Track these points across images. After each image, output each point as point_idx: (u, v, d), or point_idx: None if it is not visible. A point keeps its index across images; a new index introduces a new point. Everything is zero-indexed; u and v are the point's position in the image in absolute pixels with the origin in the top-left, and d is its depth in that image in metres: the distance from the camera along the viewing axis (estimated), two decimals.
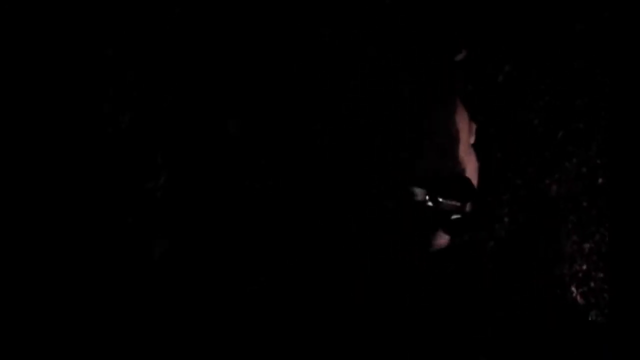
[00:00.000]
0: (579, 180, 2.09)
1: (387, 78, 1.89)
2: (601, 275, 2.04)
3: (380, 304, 1.85)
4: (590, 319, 1.96)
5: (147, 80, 1.91)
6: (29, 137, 1.89)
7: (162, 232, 1.89)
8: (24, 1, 1.88)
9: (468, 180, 1.88)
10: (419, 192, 1.84)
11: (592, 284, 2.03)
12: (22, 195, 1.89)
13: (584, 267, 2.05)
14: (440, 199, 1.85)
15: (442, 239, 1.88)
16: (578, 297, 2.00)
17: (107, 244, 1.89)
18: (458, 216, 1.87)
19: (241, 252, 1.89)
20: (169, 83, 1.91)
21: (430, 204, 1.84)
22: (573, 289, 2.01)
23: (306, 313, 1.86)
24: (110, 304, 1.88)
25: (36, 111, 1.90)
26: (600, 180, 2.09)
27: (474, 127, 1.93)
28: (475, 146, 1.93)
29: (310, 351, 1.85)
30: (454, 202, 1.86)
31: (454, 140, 1.87)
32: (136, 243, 1.89)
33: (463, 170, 1.88)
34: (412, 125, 1.87)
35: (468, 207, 1.87)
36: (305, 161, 1.90)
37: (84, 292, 1.88)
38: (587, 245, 2.06)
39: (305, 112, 1.91)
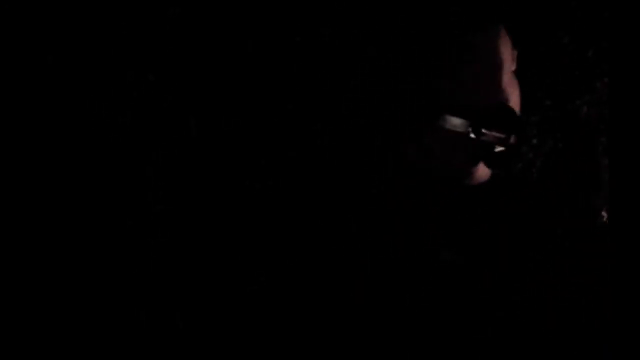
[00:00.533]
0: None
1: (387, 78, 1.88)
2: None
3: (380, 304, 1.85)
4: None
5: (147, 80, 1.91)
6: (29, 137, 1.89)
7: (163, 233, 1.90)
8: (24, 1, 1.88)
9: (512, 110, 1.76)
10: (461, 123, 1.72)
11: None
12: (22, 196, 1.89)
13: None
14: (484, 130, 1.72)
15: (483, 173, 1.79)
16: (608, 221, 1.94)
17: (107, 245, 1.89)
18: (502, 148, 1.75)
19: (241, 252, 1.89)
20: (169, 83, 1.91)
21: (472, 135, 1.72)
22: (603, 213, 1.94)
23: (306, 313, 1.86)
24: (110, 304, 1.88)
25: (36, 111, 1.90)
26: None
27: (516, 54, 1.81)
28: (518, 74, 1.81)
29: (310, 351, 1.85)
30: (498, 134, 1.73)
31: (497, 68, 1.76)
32: (135, 244, 1.89)
33: (507, 100, 1.76)
34: (454, 54, 1.75)
35: (512, 139, 1.75)
36: (305, 161, 1.90)
37: (83, 293, 1.88)
38: None
39: (305, 112, 1.91)
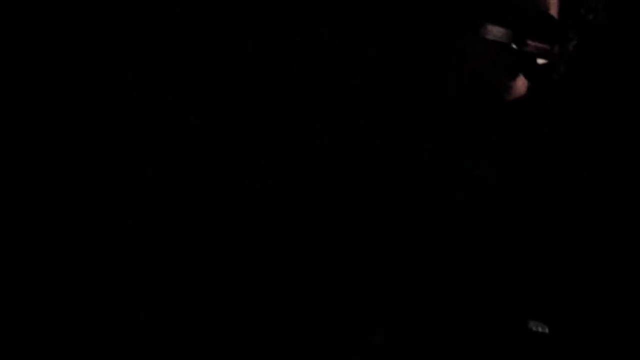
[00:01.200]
0: None
1: (387, 78, 1.88)
2: None
3: (380, 304, 1.85)
4: None
5: (147, 80, 1.91)
6: (29, 137, 1.89)
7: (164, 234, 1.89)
8: (25, 1, 1.88)
9: (555, 20, 1.66)
10: (504, 32, 1.64)
11: None
12: (23, 195, 1.89)
13: None
14: (528, 40, 1.63)
15: (522, 86, 1.71)
16: None
17: (107, 245, 1.89)
18: (544, 60, 1.67)
19: (241, 252, 1.89)
20: (169, 83, 1.91)
21: (514, 45, 1.64)
22: None
23: (306, 313, 1.86)
24: (110, 304, 1.88)
25: (36, 111, 1.90)
26: None
27: None
28: None
29: (310, 351, 1.85)
30: (541, 44, 1.64)
31: None
32: (136, 244, 1.89)
33: (547, 8, 1.67)
34: None
35: (556, 50, 1.67)
36: (305, 161, 1.90)
37: (83, 293, 1.88)
38: None
39: (305, 112, 1.91)
